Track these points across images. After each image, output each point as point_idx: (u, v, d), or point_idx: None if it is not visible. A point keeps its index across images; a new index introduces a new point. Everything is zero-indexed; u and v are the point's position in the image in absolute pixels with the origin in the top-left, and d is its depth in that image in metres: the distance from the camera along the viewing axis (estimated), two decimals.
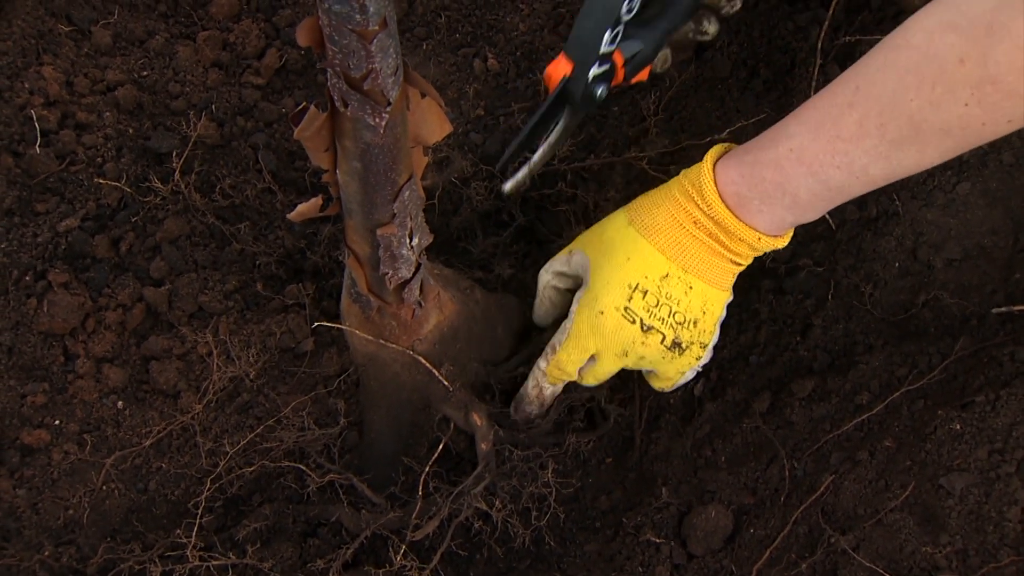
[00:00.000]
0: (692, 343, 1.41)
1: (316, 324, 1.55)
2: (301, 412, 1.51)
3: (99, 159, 1.61)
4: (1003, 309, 1.41)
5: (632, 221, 1.38)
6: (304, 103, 1.07)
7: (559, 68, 1.40)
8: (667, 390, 1.51)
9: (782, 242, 1.33)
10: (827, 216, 1.48)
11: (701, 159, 1.32)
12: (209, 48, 1.72)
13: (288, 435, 1.50)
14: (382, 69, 0.97)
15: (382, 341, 1.46)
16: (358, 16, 0.90)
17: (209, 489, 1.44)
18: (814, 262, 1.56)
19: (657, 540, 1.44)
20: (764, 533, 1.37)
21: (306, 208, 1.23)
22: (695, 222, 1.33)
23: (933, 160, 1.15)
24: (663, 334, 1.39)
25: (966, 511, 1.21)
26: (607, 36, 1.34)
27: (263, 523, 1.49)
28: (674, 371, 1.45)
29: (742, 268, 1.38)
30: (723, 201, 1.29)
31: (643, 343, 1.40)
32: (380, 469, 1.55)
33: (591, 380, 1.48)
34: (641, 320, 1.38)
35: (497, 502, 1.47)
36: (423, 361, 1.48)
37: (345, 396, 1.57)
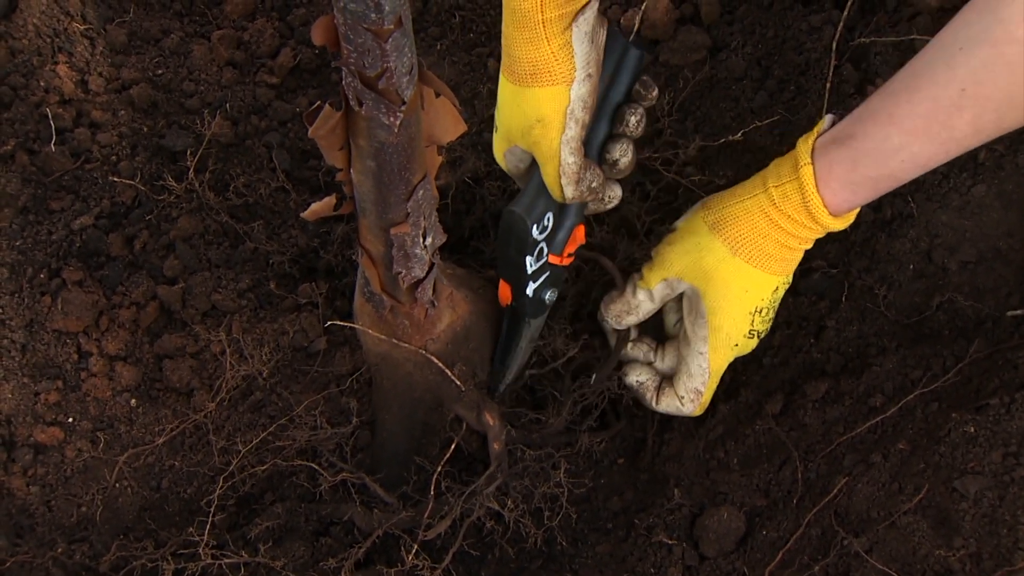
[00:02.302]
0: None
1: (329, 323, 1.55)
2: (314, 411, 1.51)
3: (114, 157, 1.61)
4: (1018, 312, 1.40)
5: (736, 251, 1.38)
6: (318, 102, 1.07)
7: (503, 292, 1.47)
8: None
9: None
10: None
11: (768, 167, 1.35)
12: (223, 47, 1.72)
13: (301, 434, 1.50)
14: (397, 68, 0.97)
15: (395, 340, 1.46)
16: (373, 15, 0.90)
17: (222, 487, 1.45)
18: (828, 264, 1.56)
19: (669, 541, 1.43)
20: (777, 535, 1.37)
21: (320, 207, 1.23)
22: (801, 241, 1.36)
23: None
24: (765, 329, 1.47)
25: (980, 514, 1.20)
26: (529, 260, 1.37)
27: (275, 522, 1.49)
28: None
29: None
30: (832, 217, 1.31)
31: (752, 346, 1.48)
32: (392, 468, 1.55)
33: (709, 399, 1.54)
34: (758, 332, 1.45)
35: (509, 502, 1.47)
36: (436, 361, 1.48)
37: (357, 395, 1.57)
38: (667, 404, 1.52)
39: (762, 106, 1.67)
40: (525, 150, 1.34)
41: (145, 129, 1.65)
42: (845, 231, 1.52)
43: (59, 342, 1.51)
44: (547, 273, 1.42)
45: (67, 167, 1.59)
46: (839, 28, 1.60)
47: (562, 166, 1.29)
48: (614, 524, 1.54)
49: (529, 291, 1.41)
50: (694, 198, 1.61)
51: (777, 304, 1.44)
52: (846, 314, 1.52)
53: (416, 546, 1.40)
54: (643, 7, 1.73)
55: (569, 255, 1.44)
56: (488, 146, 1.74)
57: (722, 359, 1.45)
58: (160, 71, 1.71)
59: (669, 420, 1.60)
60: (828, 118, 1.30)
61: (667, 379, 1.53)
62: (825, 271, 1.55)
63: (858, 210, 1.33)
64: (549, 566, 1.53)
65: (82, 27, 1.66)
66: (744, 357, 1.55)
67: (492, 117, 1.74)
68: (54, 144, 1.58)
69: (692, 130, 1.71)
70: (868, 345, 1.50)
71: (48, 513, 1.48)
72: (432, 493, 1.44)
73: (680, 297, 1.49)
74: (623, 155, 1.37)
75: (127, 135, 1.63)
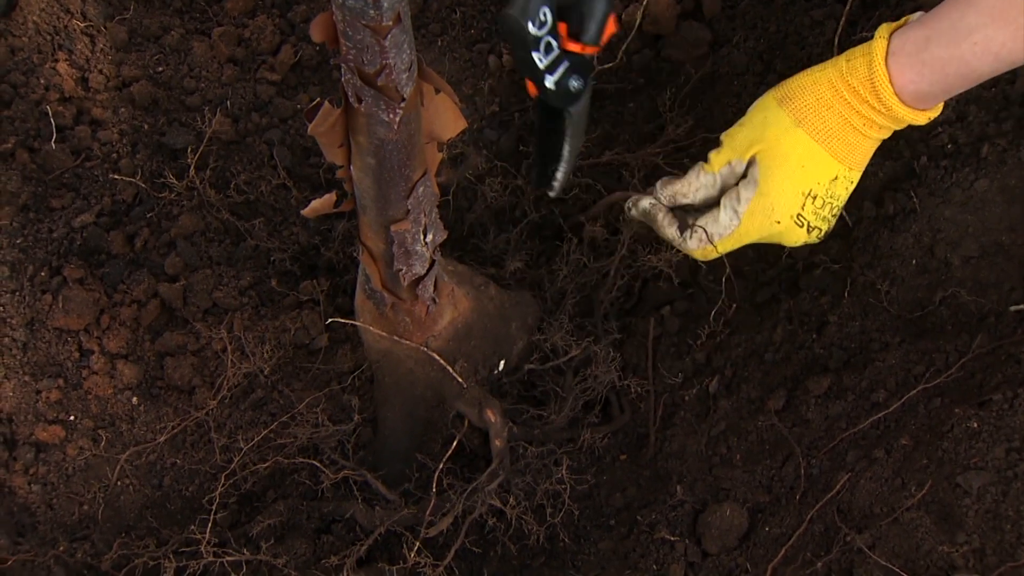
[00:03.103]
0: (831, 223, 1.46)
1: (330, 320, 1.55)
2: (315, 408, 1.51)
3: (114, 155, 1.61)
4: (1021, 307, 1.40)
5: (800, 122, 1.37)
6: (318, 99, 1.07)
7: (530, 87, 1.45)
8: None
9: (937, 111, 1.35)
10: (843, 213, 1.48)
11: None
12: (224, 44, 1.72)
13: (302, 431, 1.50)
14: (396, 65, 0.97)
15: (396, 337, 1.46)
16: (372, 11, 0.90)
17: (223, 485, 1.44)
18: (830, 259, 1.55)
19: (672, 538, 1.43)
20: (779, 531, 1.37)
21: (320, 204, 1.24)
22: (868, 123, 1.34)
23: None
24: (820, 229, 1.44)
25: (983, 510, 1.20)
26: (536, 56, 1.37)
27: (277, 519, 1.49)
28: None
29: None
30: (900, 100, 1.29)
31: (801, 239, 1.45)
32: (394, 465, 1.55)
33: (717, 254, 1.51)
34: (808, 223, 1.42)
35: (511, 499, 1.47)
36: (437, 357, 1.48)
37: (359, 392, 1.57)
38: (673, 233, 1.50)
39: None
40: None
41: (146, 127, 1.65)
42: (847, 226, 1.51)
43: (60, 340, 1.50)
44: (566, 63, 1.41)
45: (68, 165, 1.59)
46: (841, 23, 1.60)
47: None
48: (616, 521, 1.54)
49: (549, 83, 1.40)
50: None
51: (836, 203, 1.42)
52: (849, 309, 1.52)
53: (418, 543, 1.40)
54: (644, 1, 1.73)
55: (594, 44, 1.44)
56: (489, 143, 1.73)
57: (756, 226, 1.43)
58: (161, 68, 1.70)
59: (672, 417, 1.60)
60: (918, 13, 1.30)
61: (685, 216, 1.52)
62: (827, 266, 1.55)
63: (936, 111, 1.32)
64: (551, 563, 1.53)
65: (82, 24, 1.66)
66: (746, 352, 1.55)
67: (494, 115, 1.74)
68: (55, 142, 1.58)
69: (695, 124, 1.70)
70: (871, 340, 1.49)
71: (50, 512, 1.48)
72: (434, 490, 1.44)
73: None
74: None
75: (128, 133, 1.63)
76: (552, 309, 1.66)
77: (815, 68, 1.38)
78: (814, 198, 1.40)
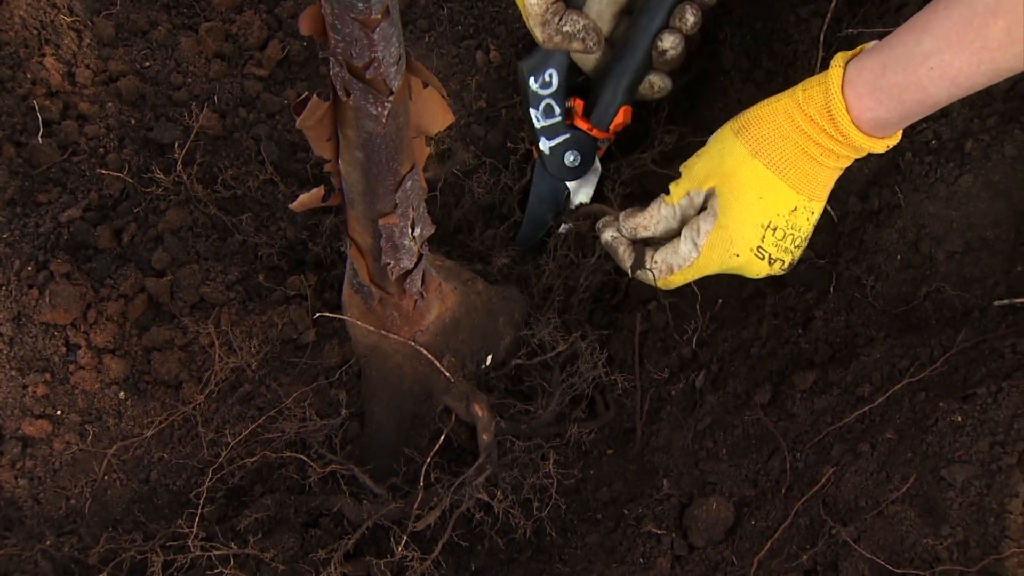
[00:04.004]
0: (795, 255, 1.44)
1: (318, 315, 1.55)
2: (303, 403, 1.51)
3: (101, 150, 1.61)
4: (1005, 301, 1.41)
5: (756, 153, 1.35)
6: (306, 93, 1.07)
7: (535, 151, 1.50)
8: None
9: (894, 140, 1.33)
10: (829, 208, 1.48)
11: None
12: (211, 39, 1.72)
13: (290, 426, 1.50)
14: (384, 58, 0.97)
15: (384, 332, 1.46)
16: (360, 4, 0.90)
17: (211, 479, 1.44)
18: (816, 254, 1.56)
19: (658, 532, 1.43)
20: (765, 525, 1.37)
21: (308, 198, 1.24)
22: (825, 152, 1.32)
23: None
24: (783, 260, 1.41)
25: (967, 503, 1.21)
26: (535, 114, 1.40)
27: (265, 513, 1.49)
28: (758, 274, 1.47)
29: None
30: (858, 128, 1.27)
31: (763, 271, 1.43)
32: (381, 460, 1.55)
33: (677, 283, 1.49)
34: (769, 255, 1.40)
35: (498, 493, 1.47)
36: (425, 352, 1.48)
37: (347, 387, 1.57)
38: (635, 264, 1.49)
39: (750, 98, 1.67)
40: None
41: (133, 121, 1.65)
42: (832, 221, 1.52)
43: (47, 335, 1.50)
44: (567, 135, 1.43)
45: (54, 159, 1.58)
46: (827, 19, 1.60)
47: (525, 5, 1.33)
48: (603, 515, 1.55)
49: (544, 148, 1.42)
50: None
51: (798, 234, 1.39)
52: (834, 304, 1.53)
53: (405, 537, 1.40)
54: None
55: (610, 130, 1.50)
56: (476, 139, 1.74)
57: (715, 259, 1.41)
58: (148, 63, 1.70)
59: (658, 411, 1.61)
60: (873, 42, 1.29)
61: (649, 246, 1.51)
62: (813, 261, 1.56)
63: (895, 139, 1.31)
64: (538, 557, 1.53)
65: (69, 19, 1.66)
66: (732, 347, 1.56)
67: (482, 111, 1.74)
68: (41, 136, 1.57)
69: (681, 122, 1.71)
70: (856, 335, 1.50)
71: (36, 506, 1.48)
72: (421, 484, 1.45)
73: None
74: (674, 48, 1.48)
75: (115, 127, 1.63)
76: (539, 305, 1.67)
77: (772, 98, 1.36)
78: (774, 230, 1.38)
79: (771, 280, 1.60)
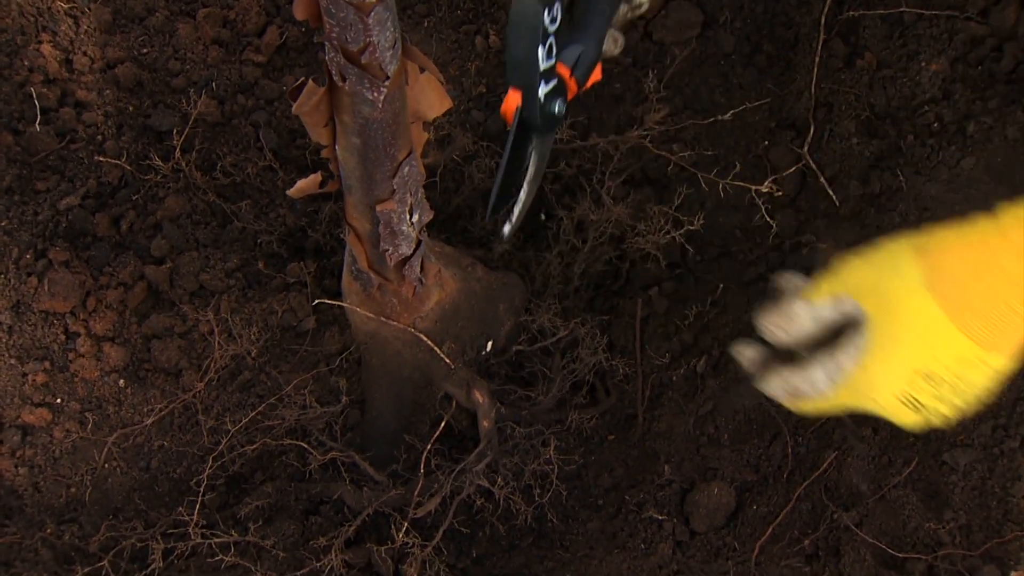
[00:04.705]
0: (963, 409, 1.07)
1: (317, 302, 1.54)
2: (303, 390, 1.51)
3: (99, 137, 1.61)
4: None
5: (932, 284, 1.00)
6: (303, 78, 1.07)
7: (511, 101, 1.33)
8: None
9: None
10: (830, 192, 1.48)
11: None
12: (209, 25, 1.71)
13: (290, 413, 1.50)
14: (380, 42, 0.97)
15: (383, 319, 1.45)
16: None
17: (211, 467, 1.44)
18: (817, 238, 1.55)
19: (660, 517, 1.43)
20: (767, 510, 1.37)
21: (306, 184, 1.23)
22: None
23: None
24: (943, 413, 1.05)
25: (970, 487, 1.20)
26: (541, 53, 1.31)
27: (265, 501, 1.49)
28: None
29: None
30: None
31: (911, 421, 1.03)
32: (382, 447, 1.55)
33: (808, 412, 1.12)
34: (919, 405, 1.04)
35: (499, 479, 1.47)
36: (424, 338, 1.48)
37: (347, 374, 1.56)
38: (766, 384, 1.12)
39: (751, 81, 1.66)
40: None
41: (131, 108, 1.64)
42: (834, 205, 1.51)
43: (46, 323, 1.50)
44: (555, 80, 1.34)
45: (52, 147, 1.58)
46: (828, 2, 1.59)
47: None
48: (604, 501, 1.54)
49: (541, 94, 1.31)
50: (684, 175, 1.61)
51: (970, 390, 1.02)
52: None
53: (406, 524, 1.40)
54: None
55: (579, 87, 1.39)
56: (476, 124, 1.73)
57: (850, 399, 1.08)
58: (145, 50, 1.69)
59: (659, 397, 1.60)
60: None
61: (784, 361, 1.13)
62: (814, 245, 1.55)
63: None
64: (540, 543, 1.53)
65: (66, 6, 1.65)
66: (733, 332, 1.55)
67: (481, 96, 1.73)
68: (39, 124, 1.57)
69: (681, 106, 1.70)
70: None
71: (37, 494, 1.48)
72: (422, 471, 1.44)
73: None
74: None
75: (112, 115, 1.62)
76: (539, 291, 1.66)
77: (966, 221, 1.01)
78: (931, 377, 1.02)
79: (773, 264, 1.59)
